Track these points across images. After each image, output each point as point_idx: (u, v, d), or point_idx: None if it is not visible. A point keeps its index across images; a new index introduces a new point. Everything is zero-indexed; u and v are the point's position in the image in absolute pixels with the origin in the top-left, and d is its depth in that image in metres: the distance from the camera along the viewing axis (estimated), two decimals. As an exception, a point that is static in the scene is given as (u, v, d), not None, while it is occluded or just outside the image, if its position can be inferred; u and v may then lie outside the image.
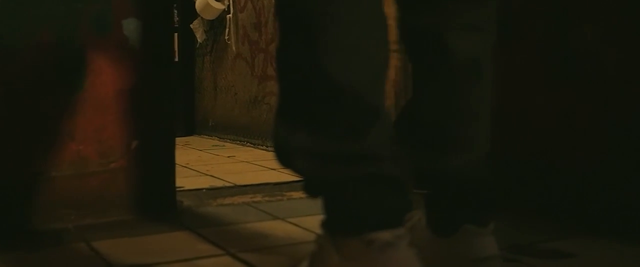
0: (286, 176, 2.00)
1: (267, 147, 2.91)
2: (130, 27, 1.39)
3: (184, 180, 1.98)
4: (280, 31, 0.74)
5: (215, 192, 1.76)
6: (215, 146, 3.16)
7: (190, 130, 3.81)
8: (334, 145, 0.70)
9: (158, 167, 1.46)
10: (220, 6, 3.25)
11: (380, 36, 0.73)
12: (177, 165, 2.31)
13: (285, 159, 0.75)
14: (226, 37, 3.27)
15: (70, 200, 1.34)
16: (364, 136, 0.70)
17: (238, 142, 3.23)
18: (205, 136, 3.67)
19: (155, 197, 1.45)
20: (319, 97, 0.71)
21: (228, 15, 3.22)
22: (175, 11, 3.63)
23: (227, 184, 1.88)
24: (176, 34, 3.64)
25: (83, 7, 1.33)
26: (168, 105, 1.47)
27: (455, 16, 0.85)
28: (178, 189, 1.71)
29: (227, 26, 3.24)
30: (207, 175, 2.09)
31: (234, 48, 3.21)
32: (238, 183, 1.89)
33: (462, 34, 0.85)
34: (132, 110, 1.41)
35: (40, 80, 1.30)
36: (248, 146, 3.07)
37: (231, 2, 3.19)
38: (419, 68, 0.90)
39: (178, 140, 3.51)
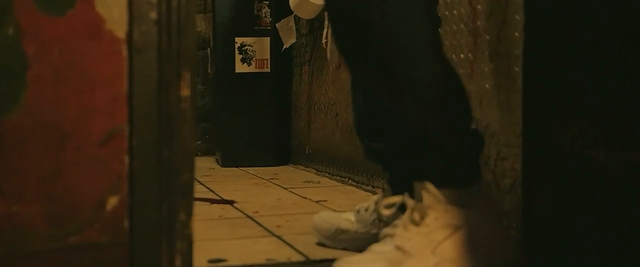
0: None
1: (373, 187, 2.32)
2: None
3: (234, 245, 1.44)
4: None
5: (270, 273, 1.20)
6: (308, 182, 2.62)
7: (284, 159, 3.30)
8: None
9: (156, 239, 0.92)
10: (320, 1, 2.71)
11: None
12: (242, 214, 1.82)
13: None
14: (323, 41, 2.74)
15: (-5, 300, 0.83)
16: None
17: (338, 177, 2.67)
18: (300, 167, 3.15)
19: (149, 294, 0.91)
20: None
21: (326, 13, 2.68)
22: (268, 10, 3.16)
23: (296, 258, 1.31)
24: (268, 39, 3.16)
25: (20, -37, 0.82)
26: (181, 135, 0.93)
27: None
28: (215, 265, 1.18)
29: (326, 27, 2.70)
30: (273, 236, 1.54)
31: (328, 55, 2.67)
32: (312, 256, 1.32)
33: None
34: (110, 145, 0.89)
35: None
36: (350, 185, 2.49)
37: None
38: None
39: (264, 171, 3.02)
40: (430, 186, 1.13)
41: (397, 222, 1.16)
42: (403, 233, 1.12)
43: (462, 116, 1.18)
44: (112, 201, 0.89)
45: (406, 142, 1.19)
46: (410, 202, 1.16)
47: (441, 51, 1.20)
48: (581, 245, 1.07)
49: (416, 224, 1.12)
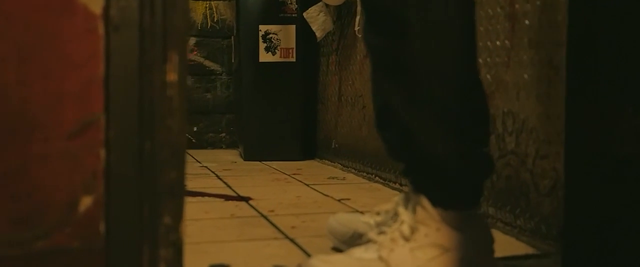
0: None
1: (401, 185, 2.19)
2: (81, -32, 0.76)
3: (241, 248, 1.33)
4: None
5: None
6: (332, 178, 2.50)
7: (309, 153, 3.19)
8: None
9: (135, 246, 0.81)
10: (348, -14, 2.59)
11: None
12: (256, 213, 1.73)
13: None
14: (356, 28, 2.61)
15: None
16: None
17: (365, 174, 2.54)
18: (326, 162, 3.03)
19: (128, 309, 0.80)
20: None
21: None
22: (294, -3, 3.04)
23: None
24: (294, 27, 3.05)
25: None
26: (166, 126, 0.82)
27: None
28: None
29: (357, 13, 2.58)
30: (286, 238, 1.42)
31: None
32: (325, 263, 1.19)
33: None
34: (83, 136, 0.78)
35: None
36: (376, 182, 2.37)
37: (361, -21, 2.51)
38: None
39: (287, 166, 2.91)
40: (425, 202, 1.10)
41: (386, 229, 1.13)
42: (389, 244, 1.10)
43: (476, 140, 1.12)
44: (86, 201, 0.79)
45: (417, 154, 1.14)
46: (402, 213, 1.12)
47: (475, 68, 1.13)
48: (632, 262, 0.93)
49: (405, 238, 1.09)
